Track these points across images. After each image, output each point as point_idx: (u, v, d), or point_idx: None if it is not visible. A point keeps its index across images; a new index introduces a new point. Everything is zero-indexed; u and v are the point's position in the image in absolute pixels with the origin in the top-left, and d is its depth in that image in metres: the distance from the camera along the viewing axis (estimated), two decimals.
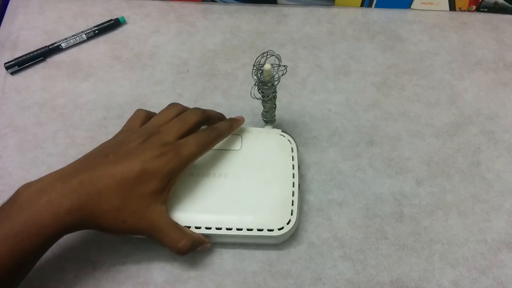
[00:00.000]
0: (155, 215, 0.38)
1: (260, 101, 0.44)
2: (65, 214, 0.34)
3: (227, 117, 0.46)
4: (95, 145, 0.40)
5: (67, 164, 0.38)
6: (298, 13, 0.60)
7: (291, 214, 0.42)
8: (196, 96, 0.53)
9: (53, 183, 0.35)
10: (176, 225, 0.40)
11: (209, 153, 0.44)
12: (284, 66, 0.39)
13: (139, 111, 0.44)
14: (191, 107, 0.44)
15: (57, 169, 0.37)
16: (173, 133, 0.40)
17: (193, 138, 0.40)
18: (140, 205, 0.37)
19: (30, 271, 0.36)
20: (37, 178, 0.36)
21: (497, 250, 0.44)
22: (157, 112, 0.44)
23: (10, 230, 0.33)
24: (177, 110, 0.43)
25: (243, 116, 0.45)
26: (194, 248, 0.40)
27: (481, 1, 0.58)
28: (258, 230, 0.41)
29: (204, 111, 0.44)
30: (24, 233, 0.33)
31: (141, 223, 0.38)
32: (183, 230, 0.40)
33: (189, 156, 0.40)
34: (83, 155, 0.39)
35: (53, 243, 0.35)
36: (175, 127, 0.41)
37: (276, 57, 0.39)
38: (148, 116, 0.43)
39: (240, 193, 0.42)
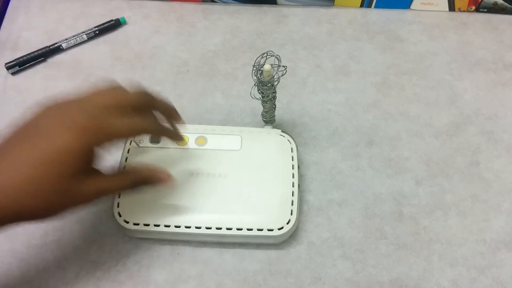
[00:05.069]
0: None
1: (260, 101, 0.44)
2: None
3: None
4: None
5: None
6: (298, 13, 0.60)
7: (291, 214, 0.42)
8: (196, 96, 0.53)
9: None
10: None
11: (209, 153, 0.44)
12: (284, 66, 0.39)
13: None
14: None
15: None
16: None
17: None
18: None
19: (31, 271, 0.35)
20: None
21: (496, 249, 0.44)
22: None
23: None
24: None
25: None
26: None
27: (481, 2, 0.58)
28: (258, 230, 0.41)
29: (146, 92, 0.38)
30: None
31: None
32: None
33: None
34: None
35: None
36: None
37: (276, 57, 0.39)
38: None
39: (240, 193, 0.42)
